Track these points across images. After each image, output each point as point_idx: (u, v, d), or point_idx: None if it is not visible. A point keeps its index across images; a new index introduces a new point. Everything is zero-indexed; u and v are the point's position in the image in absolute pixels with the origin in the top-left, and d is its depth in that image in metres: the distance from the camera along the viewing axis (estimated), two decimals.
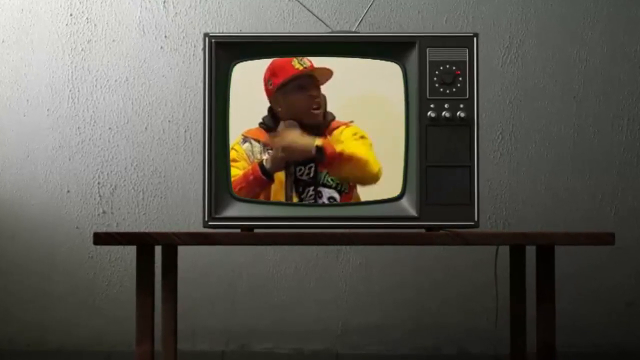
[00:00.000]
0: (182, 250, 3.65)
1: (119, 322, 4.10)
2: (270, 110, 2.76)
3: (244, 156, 2.76)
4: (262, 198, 2.75)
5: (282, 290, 4.18)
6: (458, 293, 4.16)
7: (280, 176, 2.76)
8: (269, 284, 4.18)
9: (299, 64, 2.75)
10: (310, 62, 2.76)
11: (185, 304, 3.90)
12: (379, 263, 4.18)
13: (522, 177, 4.18)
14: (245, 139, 2.77)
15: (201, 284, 4.15)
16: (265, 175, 2.75)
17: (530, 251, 2.99)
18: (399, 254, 4.15)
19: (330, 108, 2.75)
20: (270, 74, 2.76)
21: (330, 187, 2.76)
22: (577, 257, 4.08)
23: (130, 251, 4.09)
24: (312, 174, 2.77)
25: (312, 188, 2.76)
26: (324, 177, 2.76)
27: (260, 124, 2.76)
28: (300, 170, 2.77)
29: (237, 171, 2.76)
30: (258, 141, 2.77)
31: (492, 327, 3.91)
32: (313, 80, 2.76)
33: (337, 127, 2.76)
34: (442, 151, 2.72)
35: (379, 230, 2.69)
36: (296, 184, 2.76)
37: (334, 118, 2.76)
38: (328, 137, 2.75)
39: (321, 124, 2.75)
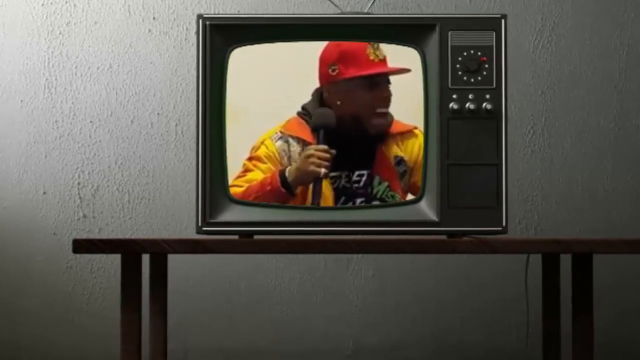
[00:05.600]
0: (173, 259, 3.65)
1: (101, 340, 4.11)
2: (319, 95, 2.67)
3: (275, 157, 2.65)
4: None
5: (285, 305, 4.19)
6: (484, 307, 4.16)
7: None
8: (271, 297, 4.19)
9: (374, 54, 2.67)
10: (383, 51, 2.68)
11: (176, 319, 3.90)
12: (395, 274, 4.18)
13: (556, 176, 4.19)
14: (281, 136, 2.65)
15: (194, 297, 4.16)
16: (285, 187, 2.66)
17: (566, 260, 2.99)
18: (417, 263, 4.16)
19: None
20: (338, 59, 2.67)
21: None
22: (617, 266, 4.09)
23: (114, 260, 4.09)
24: (362, 183, 2.67)
25: (362, 200, 2.66)
26: (384, 191, 2.67)
27: (300, 113, 2.68)
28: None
29: (258, 175, 2.68)
30: (300, 140, 2.65)
31: (522, 346, 3.91)
32: (386, 76, 2.68)
33: (405, 132, 2.69)
34: (466, 148, 2.73)
35: (395, 236, 2.69)
36: (335, 191, 2.65)
37: (392, 118, 2.69)
38: (400, 144, 2.68)
39: (384, 125, 2.67)
